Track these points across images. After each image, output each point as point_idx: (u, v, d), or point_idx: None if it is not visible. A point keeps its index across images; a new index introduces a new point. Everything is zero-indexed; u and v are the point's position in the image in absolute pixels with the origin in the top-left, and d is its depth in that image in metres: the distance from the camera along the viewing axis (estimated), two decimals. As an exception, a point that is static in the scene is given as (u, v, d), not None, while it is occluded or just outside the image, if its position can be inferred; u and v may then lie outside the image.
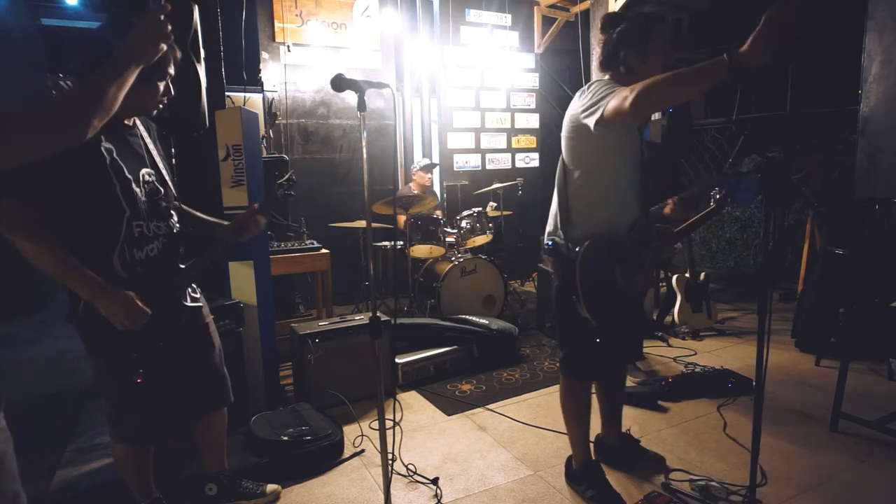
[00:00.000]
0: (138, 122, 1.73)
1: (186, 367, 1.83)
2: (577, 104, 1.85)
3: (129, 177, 1.60)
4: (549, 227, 2.04)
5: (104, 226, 1.57)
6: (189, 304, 1.81)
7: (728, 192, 2.42)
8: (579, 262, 1.83)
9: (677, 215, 2.21)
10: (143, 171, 1.67)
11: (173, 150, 2.89)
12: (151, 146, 1.75)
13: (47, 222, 1.47)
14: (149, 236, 1.66)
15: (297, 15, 5.10)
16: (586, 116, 1.74)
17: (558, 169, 1.99)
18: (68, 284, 1.51)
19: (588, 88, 1.82)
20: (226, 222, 1.99)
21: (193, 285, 1.85)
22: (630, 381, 3.05)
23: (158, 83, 1.62)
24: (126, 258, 1.60)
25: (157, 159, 1.75)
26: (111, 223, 1.57)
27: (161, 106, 1.69)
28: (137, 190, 1.62)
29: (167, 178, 1.77)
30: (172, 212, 1.77)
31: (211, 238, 1.93)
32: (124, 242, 1.60)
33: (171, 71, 1.65)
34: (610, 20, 1.92)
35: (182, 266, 1.77)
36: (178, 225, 1.79)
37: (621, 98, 1.58)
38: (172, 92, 1.69)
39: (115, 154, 1.57)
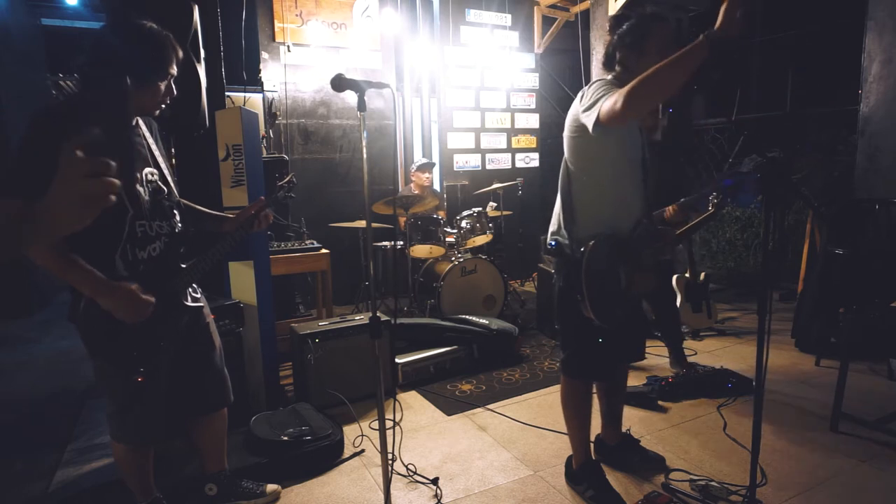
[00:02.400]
0: (140, 121, 1.73)
1: (187, 367, 1.83)
2: (578, 104, 1.87)
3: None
4: (552, 227, 2.04)
5: (107, 225, 1.57)
6: (190, 303, 1.81)
7: (727, 195, 2.40)
8: (585, 261, 1.83)
9: (677, 218, 2.23)
10: (146, 170, 1.67)
11: (173, 150, 2.89)
12: (153, 145, 1.75)
13: None
14: (151, 236, 1.66)
15: (297, 15, 5.10)
16: (586, 117, 1.76)
17: (562, 169, 2.00)
18: (70, 281, 1.51)
19: (588, 88, 1.83)
20: (230, 215, 1.99)
21: (194, 285, 1.85)
22: (630, 381, 3.05)
23: (160, 84, 1.62)
24: (128, 257, 1.61)
25: (160, 159, 1.75)
26: (114, 222, 1.57)
27: (163, 106, 1.69)
28: (140, 189, 1.62)
29: (169, 177, 1.77)
30: (175, 211, 1.77)
31: (218, 233, 1.93)
32: (127, 242, 1.60)
33: (174, 71, 1.65)
34: (615, 21, 1.94)
35: (183, 266, 1.77)
36: (180, 225, 1.79)
37: (613, 100, 1.61)
38: (174, 92, 1.69)
39: None
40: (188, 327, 1.81)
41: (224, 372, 1.97)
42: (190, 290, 1.82)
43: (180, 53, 1.67)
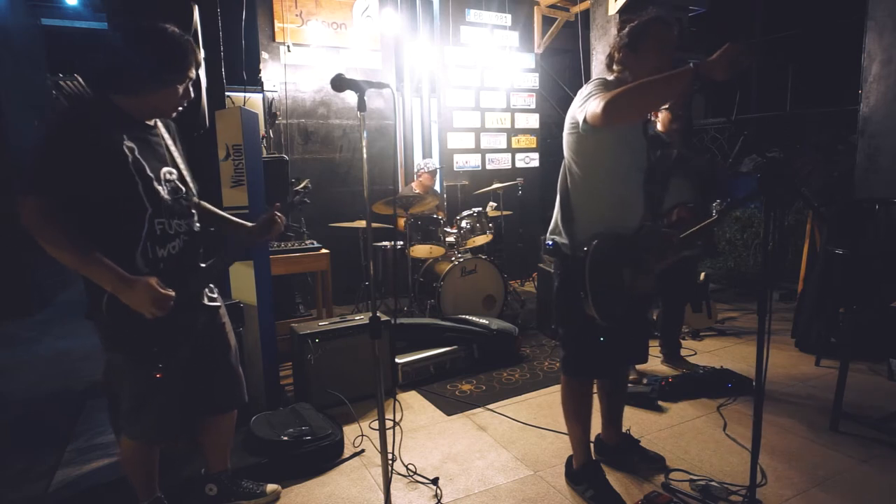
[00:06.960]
0: (159, 122, 1.74)
1: (202, 367, 1.83)
2: (575, 103, 1.88)
3: (151, 175, 1.61)
4: (551, 227, 2.05)
5: (127, 223, 1.58)
6: (207, 303, 1.81)
7: (730, 202, 2.42)
8: (589, 259, 1.84)
9: (686, 220, 2.23)
10: (164, 169, 1.68)
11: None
12: (171, 146, 1.76)
13: (69, 218, 1.49)
14: (170, 234, 1.67)
15: (297, 15, 5.10)
16: (577, 115, 1.81)
17: (562, 168, 2.02)
18: (91, 277, 1.52)
19: (586, 86, 1.86)
20: (249, 224, 1.98)
21: (211, 285, 1.85)
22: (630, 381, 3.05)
23: (178, 87, 1.64)
24: (149, 255, 1.62)
25: (178, 159, 1.77)
26: (134, 221, 1.59)
27: (180, 108, 1.69)
28: (159, 188, 1.64)
29: (187, 177, 1.78)
30: (193, 211, 1.78)
31: (230, 238, 1.93)
32: (147, 240, 1.61)
33: (192, 75, 1.66)
34: (620, 24, 1.98)
35: (202, 265, 1.77)
36: (198, 224, 1.80)
37: (597, 103, 1.66)
38: (192, 95, 1.70)
39: (136, 153, 1.59)
40: (205, 326, 1.82)
41: (238, 372, 1.96)
42: (207, 289, 1.82)
43: (200, 57, 1.68)
